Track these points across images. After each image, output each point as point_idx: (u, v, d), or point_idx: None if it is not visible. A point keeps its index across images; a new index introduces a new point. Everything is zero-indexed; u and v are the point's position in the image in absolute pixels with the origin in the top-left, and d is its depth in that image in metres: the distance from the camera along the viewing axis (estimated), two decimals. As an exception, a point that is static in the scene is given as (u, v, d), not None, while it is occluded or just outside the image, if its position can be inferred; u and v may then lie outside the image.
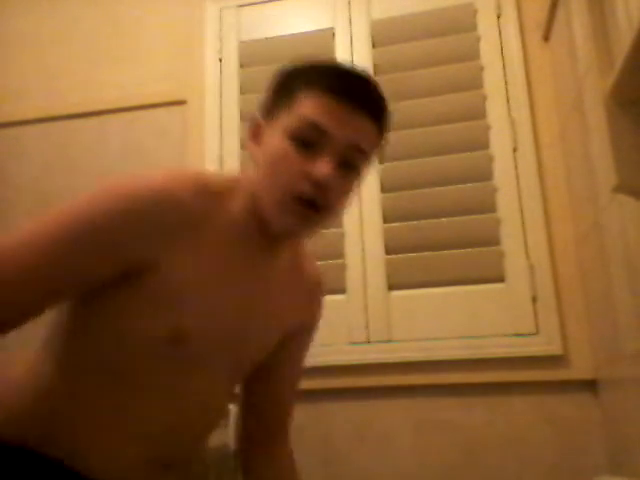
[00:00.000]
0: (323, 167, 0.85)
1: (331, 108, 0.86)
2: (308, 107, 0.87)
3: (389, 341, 1.74)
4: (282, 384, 1.13)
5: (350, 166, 0.89)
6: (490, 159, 1.81)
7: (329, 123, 0.86)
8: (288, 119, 0.88)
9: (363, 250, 1.82)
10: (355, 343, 1.76)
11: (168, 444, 0.91)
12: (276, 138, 0.89)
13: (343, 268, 1.82)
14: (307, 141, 0.87)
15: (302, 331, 1.11)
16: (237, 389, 1.09)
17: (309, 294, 1.10)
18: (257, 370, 1.07)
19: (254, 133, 0.94)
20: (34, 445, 0.84)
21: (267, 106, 0.94)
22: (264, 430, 1.12)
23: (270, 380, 1.10)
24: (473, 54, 1.90)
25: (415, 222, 1.80)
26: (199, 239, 0.87)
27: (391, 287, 1.79)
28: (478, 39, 1.90)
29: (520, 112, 1.83)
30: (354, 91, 0.88)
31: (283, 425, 1.15)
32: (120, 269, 0.83)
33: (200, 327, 0.88)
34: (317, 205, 0.87)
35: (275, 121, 0.90)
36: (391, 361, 1.72)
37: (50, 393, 0.87)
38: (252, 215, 0.92)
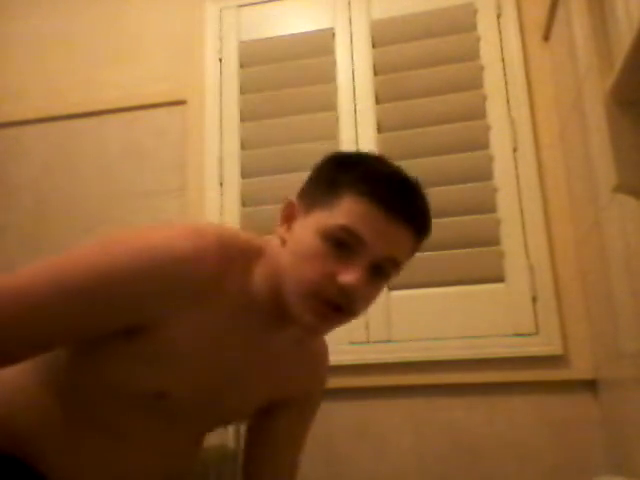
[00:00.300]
0: (353, 275, 0.82)
1: (373, 219, 0.82)
2: (350, 213, 0.83)
3: (389, 341, 1.74)
4: (283, 449, 1.13)
5: (380, 273, 0.86)
6: (490, 159, 1.81)
7: (369, 234, 0.82)
8: (327, 219, 0.84)
9: (363, 250, 1.82)
10: (355, 343, 1.76)
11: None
12: (311, 233, 0.85)
13: (343, 268, 1.81)
14: (342, 244, 0.83)
15: (304, 401, 1.10)
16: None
17: (313, 365, 1.09)
18: (258, 435, 1.10)
19: (287, 216, 0.89)
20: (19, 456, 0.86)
21: (306, 193, 0.90)
22: None
23: (271, 445, 1.11)
24: (473, 54, 1.90)
25: (415, 222, 1.80)
26: (207, 308, 0.85)
27: (391, 287, 1.79)
28: (478, 39, 1.90)
29: (520, 112, 1.83)
30: (401, 204, 0.84)
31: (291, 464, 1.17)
32: (123, 325, 0.82)
33: (182, 391, 0.88)
34: (341, 308, 0.85)
35: (312, 213, 0.86)
36: (391, 361, 1.72)
37: (34, 415, 0.88)
38: (271, 291, 0.88)
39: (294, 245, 0.87)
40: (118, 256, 0.78)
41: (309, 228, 0.85)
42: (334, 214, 0.83)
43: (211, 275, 0.83)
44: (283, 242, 0.88)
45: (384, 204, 0.82)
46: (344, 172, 0.86)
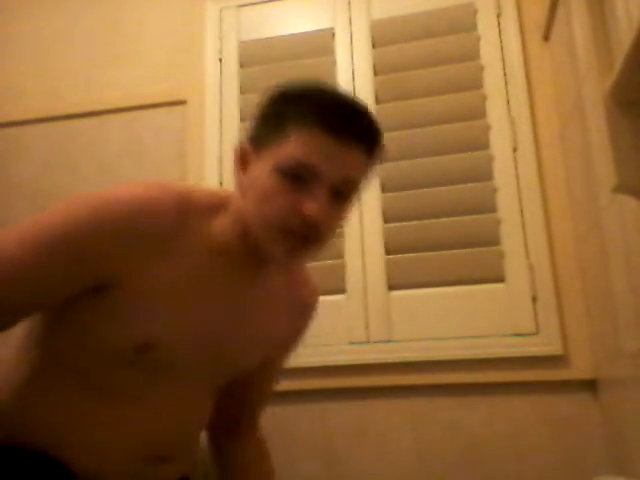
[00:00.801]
0: (314, 204, 0.84)
1: (324, 146, 0.84)
2: (299, 145, 0.84)
3: (389, 341, 1.74)
4: (263, 384, 1.15)
5: (340, 196, 0.87)
6: (490, 159, 1.81)
7: (323, 162, 0.84)
8: (278, 154, 0.85)
9: (363, 250, 1.82)
10: (355, 343, 1.76)
11: (150, 443, 0.91)
12: (266, 171, 0.86)
13: (343, 268, 1.82)
14: (297, 176, 0.84)
15: (284, 345, 1.12)
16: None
17: (300, 311, 1.10)
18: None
19: (241, 160, 0.91)
20: (19, 443, 0.85)
21: (256, 134, 0.91)
22: (236, 417, 1.15)
23: (251, 381, 1.11)
24: (473, 54, 1.90)
25: (415, 222, 1.80)
26: (173, 254, 0.86)
27: (391, 287, 1.79)
28: (478, 39, 1.90)
29: (520, 112, 1.83)
30: (348, 127, 0.85)
31: (256, 414, 1.17)
32: (91, 280, 0.83)
33: (170, 337, 0.88)
34: (307, 236, 0.86)
35: (264, 152, 0.87)
36: (391, 361, 1.72)
37: (26, 395, 0.88)
38: (240, 235, 0.91)
39: (253, 187, 0.88)
40: (79, 212, 0.82)
41: (264, 168, 0.87)
42: (285, 149, 0.85)
43: (172, 223, 0.86)
44: (242, 187, 0.90)
45: (331, 129, 0.83)
46: (288, 106, 0.87)
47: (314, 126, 0.84)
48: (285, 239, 0.86)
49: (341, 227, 0.94)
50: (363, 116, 0.87)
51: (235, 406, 1.14)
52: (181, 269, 0.87)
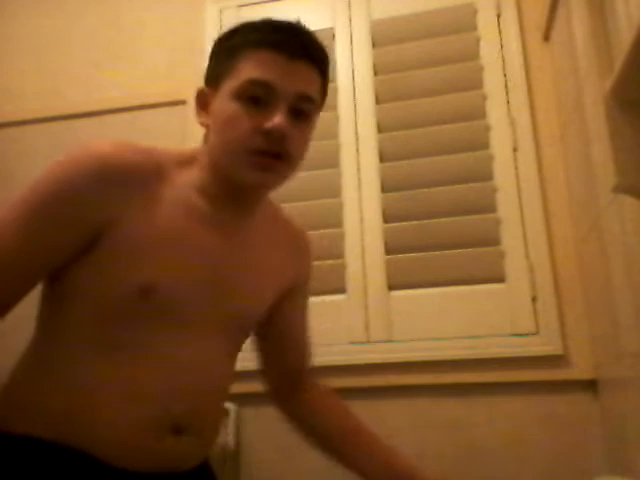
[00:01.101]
0: (274, 118, 0.87)
1: (273, 62, 0.89)
2: (250, 66, 0.89)
3: (389, 341, 1.74)
4: (293, 330, 1.14)
5: (301, 115, 0.92)
6: (490, 159, 1.81)
7: (273, 77, 0.89)
8: (233, 82, 0.90)
9: (363, 250, 1.82)
10: (355, 343, 1.76)
11: (170, 407, 0.88)
12: (224, 101, 0.91)
13: (343, 268, 1.82)
14: (255, 98, 0.89)
15: (300, 284, 1.13)
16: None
17: (297, 249, 1.12)
18: (265, 328, 1.09)
19: (201, 103, 0.97)
20: (42, 432, 0.83)
21: (210, 74, 0.97)
22: (287, 380, 1.14)
23: (280, 332, 1.12)
24: (473, 54, 1.90)
25: (415, 222, 1.80)
26: (157, 200, 0.89)
27: (391, 287, 1.79)
28: (478, 39, 1.90)
29: (520, 112, 1.83)
30: (292, 42, 0.91)
31: (303, 369, 1.16)
32: (87, 229, 0.86)
33: (168, 279, 0.88)
34: (276, 154, 0.90)
35: (221, 87, 0.92)
36: (391, 361, 1.72)
37: (45, 372, 0.87)
38: (215, 180, 0.94)
39: (216, 122, 0.92)
40: (58, 173, 0.86)
41: (222, 99, 0.91)
42: (239, 74, 0.90)
43: (150, 172, 0.89)
44: (206, 127, 0.95)
45: (279, 47, 0.90)
46: (236, 38, 0.94)
47: (262, 47, 0.90)
48: (253, 161, 0.89)
49: (306, 150, 0.97)
50: (307, 33, 0.94)
51: (281, 366, 1.14)
52: (167, 214, 0.89)
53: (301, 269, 1.13)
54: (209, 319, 0.94)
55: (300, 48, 0.91)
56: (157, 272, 0.87)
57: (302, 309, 1.16)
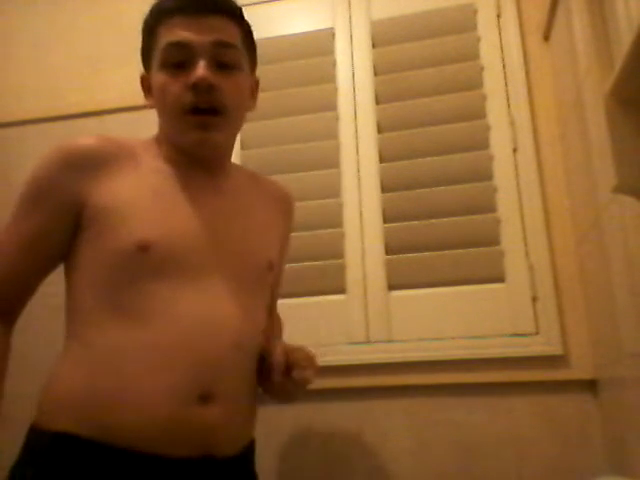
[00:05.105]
0: (197, 71, 0.93)
1: (183, 24, 0.96)
2: (167, 34, 0.97)
3: (389, 341, 1.74)
4: (274, 281, 1.20)
5: (227, 64, 0.98)
6: (490, 159, 1.81)
7: (186, 35, 0.95)
8: (157, 55, 0.98)
9: (363, 250, 1.82)
10: (355, 343, 1.76)
11: (194, 372, 0.88)
12: (155, 76, 0.99)
13: (343, 268, 1.82)
14: (177, 63, 0.96)
15: (287, 235, 1.22)
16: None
17: (283, 204, 1.19)
18: None
19: (145, 88, 1.05)
20: (76, 427, 0.86)
21: (144, 57, 1.05)
22: None
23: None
24: (473, 54, 1.90)
25: (415, 222, 1.80)
26: (127, 171, 0.96)
27: (391, 287, 1.79)
28: (478, 39, 1.90)
29: (520, 112, 1.83)
30: (198, 1, 0.98)
31: (272, 313, 1.22)
32: (72, 215, 0.94)
33: (160, 231, 0.93)
34: (212, 108, 0.95)
35: (152, 66, 1.01)
36: (391, 361, 1.72)
37: (74, 360, 0.92)
38: (173, 149, 1.01)
39: (155, 98, 1.01)
40: (36, 170, 0.98)
41: (154, 75, 1.00)
42: (159, 46, 0.98)
43: (126, 150, 0.98)
44: (154, 108, 1.02)
45: (187, 9, 0.97)
46: (151, 15, 1.02)
47: (173, 15, 0.97)
48: (191, 121, 0.95)
49: (245, 100, 1.04)
50: None
51: None
52: (143, 181, 0.96)
53: (288, 222, 1.20)
54: (215, 265, 0.96)
55: (205, 4, 0.98)
56: (148, 228, 0.92)
57: (283, 258, 1.24)
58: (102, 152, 0.96)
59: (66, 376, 0.91)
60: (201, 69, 0.93)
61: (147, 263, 0.90)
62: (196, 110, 0.94)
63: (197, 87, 0.93)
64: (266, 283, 1.08)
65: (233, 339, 0.94)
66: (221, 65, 0.96)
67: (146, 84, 1.04)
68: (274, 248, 1.11)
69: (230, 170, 1.09)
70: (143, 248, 0.90)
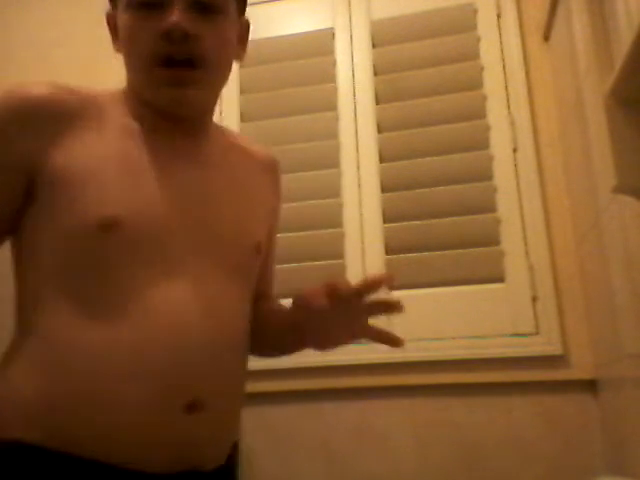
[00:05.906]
0: (172, 15, 0.77)
1: None
2: None
3: (389, 341, 1.74)
4: (266, 258, 1.03)
5: (209, 5, 0.81)
6: (490, 159, 1.81)
7: None
8: None
9: (363, 250, 1.82)
10: (355, 343, 1.76)
11: (174, 373, 0.75)
12: (122, 16, 0.82)
13: (343, 268, 1.82)
14: (147, 1, 0.79)
15: (276, 207, 1.04)
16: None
17: (270, 172, 1.01)
18: None
19: (112, 29, 0.87)
20: (39, 436, 0.72)
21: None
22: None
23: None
24: (473, 54, 1.90)
25: (415, 222, 1.80)
26: (92, 128, 0.80)
27: (391, 287, 1.78)
28: (478, 39, 1.90)
29: (520, 112, 1.83)
30: None
31: (267, 295, 1.06)
32: (23, 173, 0.78)
33: (130, 213, 0.76)
34: (189, 60, 0.79)
35: (119, 5, 0.83)
36: (391, 361, 1.72)
37: (33, 360, 0.76)
38: (142, 106, 0.84)
39: (121, 43, 0.84)
40: None
41: (121, 15, 0.82)
42: None
43: (89, 103, 0.82)
44: (121, 54, 0.86)
45: None
46: None
47: None
48: (163, 75, 0.79)
49: (229, 50, 0.86)
50: None
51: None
52: (114, 144, 0.80)
53: (277, 194, 1.03)
54: (194, 248, 0.81)
55: None
56: (113, 201, 0.76)
57: (274, 234, 1.06)
58: (61, 105, 0.79)
59: (19, 376, 0.75)
60: (178, 15, 0.77)
61: (111, 245, 0.75)
62: (170, 62, 0.78)
63: (171, 35, 0.77)
64: (254, 268, 0.92)
65: (216, 334, 0.80)
66: (202, 7, 0.79)
67: (112, 25, 0.86)
68: (262, 228, 0.94)
69: (212, 132, 0.91)
70: (106, 227, 0.74)
